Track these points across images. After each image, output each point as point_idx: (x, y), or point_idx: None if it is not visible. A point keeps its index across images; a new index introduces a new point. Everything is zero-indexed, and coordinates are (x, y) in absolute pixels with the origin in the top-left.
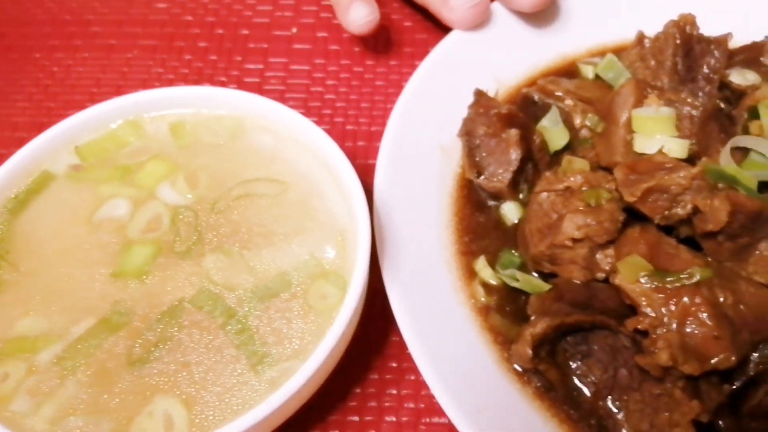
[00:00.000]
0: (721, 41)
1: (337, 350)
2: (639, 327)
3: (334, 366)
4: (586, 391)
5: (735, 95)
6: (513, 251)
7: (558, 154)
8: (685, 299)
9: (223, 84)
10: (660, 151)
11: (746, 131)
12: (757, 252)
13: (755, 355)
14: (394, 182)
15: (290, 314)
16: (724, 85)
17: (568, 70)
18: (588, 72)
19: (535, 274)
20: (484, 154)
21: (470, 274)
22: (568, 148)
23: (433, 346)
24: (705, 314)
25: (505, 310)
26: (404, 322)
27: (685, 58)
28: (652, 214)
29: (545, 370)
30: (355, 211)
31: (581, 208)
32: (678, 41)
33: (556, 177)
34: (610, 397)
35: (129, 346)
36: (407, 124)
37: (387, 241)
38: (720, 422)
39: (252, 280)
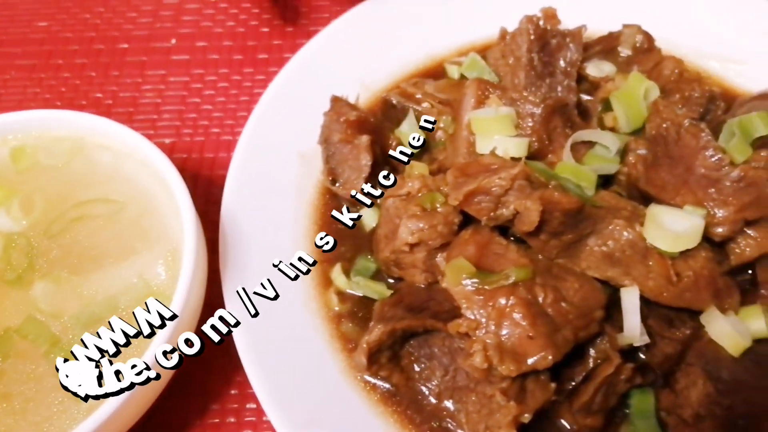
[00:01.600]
0: (575, 34)
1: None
2: (459, 330)
3: (160, 391)
4: (429, 394)
5: (593, 87)
6: (369, 257)
7: (420, 156)
8: (501, 300)
9: (97, 100)
10: (492, 152)
11: (601, 123)
12: (587, 247)
13: (593, 351)
14: (246, 193)
15: None
16: (583, 78)
17: (437, 71)
18: (453, 72)
19: (392, 280)
20: (338, 161)
21: (327, 282)
22: (427, 150)
23: (269, 360)
24: (519, 315)
25: (358, 317)
26: (240, 339)
27: (541, 53)
28: (479, 216)
29: (387, 376)
30: (183, 226)
31: (417, 213)
32: (532, 36)
33: (401, 182)
34: (451, 398)
35: None
36: (263, 133)
37: (232, 255)
38: (562, 420)
39: (78, 306)
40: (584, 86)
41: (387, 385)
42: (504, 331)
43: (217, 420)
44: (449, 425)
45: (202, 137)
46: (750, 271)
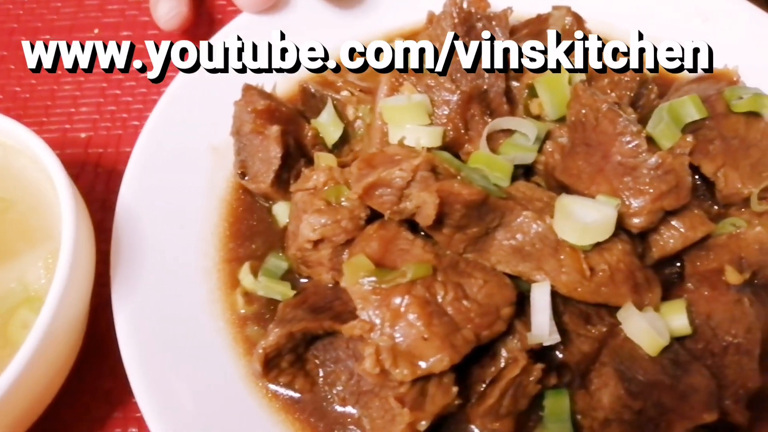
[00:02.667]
0: (501, 17)
1: (28, 383)
2: (353, 333)
3: (34, 401)
4: (335, 400)
5: (520, 73)
6: (281, 254)
7: (340, 147)
8: (396, 300)
9: (15, 94)
10: (399, 142)
11: (527, 111)
12: (496, 241)
13: (504, 351)
14: (146, 190)
15: None
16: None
17: None
18: None
19: (305, 279)
20: (249, 154)
21: (234, 282)
22: (346, 142)
23: (158, 368)
24: (414, 315)
25: (265, 319)
26: (126, 346)
27: (465, 37)
28: (381, 210)
29: (290, 382)
30: (63, 223)
31: (321, 208)
32: (456, 20)
33: (308, 175)
34: (357, 404)
35: None
36: (169, 125)
37: (125, 256)
38: (473, 426)
39: None
40: (512, 72)
41: (291, 392)
42: (398, 333)
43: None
44: None
45: (120, 130)
46: (678, 264)
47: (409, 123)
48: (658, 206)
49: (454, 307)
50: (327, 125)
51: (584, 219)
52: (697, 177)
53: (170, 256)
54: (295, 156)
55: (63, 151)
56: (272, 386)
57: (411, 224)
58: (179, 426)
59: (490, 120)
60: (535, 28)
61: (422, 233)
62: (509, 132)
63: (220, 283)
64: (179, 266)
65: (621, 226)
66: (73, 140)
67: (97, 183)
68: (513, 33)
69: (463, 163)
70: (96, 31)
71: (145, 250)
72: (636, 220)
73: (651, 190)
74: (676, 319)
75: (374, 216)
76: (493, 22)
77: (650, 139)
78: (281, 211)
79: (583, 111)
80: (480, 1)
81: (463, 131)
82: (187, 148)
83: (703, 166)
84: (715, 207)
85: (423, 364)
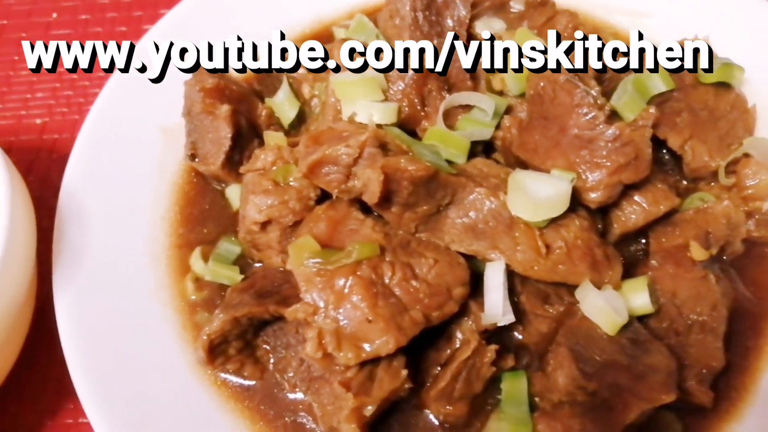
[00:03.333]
0: None
1: None
2: (297, 316)
3: None
4: (286, 386)
5: None
6: (234, 238)
7: (297, 127)
8: (341, 281)
9: None
10: (350, 119)
11: (490, 86)
12: (449, 220)
13: (459, 333)
14: (93, 173)
15: None
16: (473, 38)
17: (325, 35)
18: (341, 36)
19: (259, 264)
20: (199, 135)
21: (185, 268)
22: (304, 121)
23: (100, 357)
24: (358, 296)
25: (215, 305)
26: (67, 335)
27: (426, 11)
28: (329, 189)
29: (239, 369)
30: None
31: (268, 188)
32: None
33: (258, 154)
34: (308, 390)
35: None
36: (118, 107)
37: (68, 242)
38: (428, 412)
39: None
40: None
41: (241, 380)
42: (342, 316)
43: None
44: (304, 420)
45: (76, 115)
46: (644, 241)
47: (361, 99)
48: (616, 180)
49: (402, 288)
50: (282, 104)
51: (537, 194)
52: (664, 151)
53: (117, 242)
54: (248, 137)
55: (18, 137)
56: (222, 374)
57: (364, 204)
58: (120, 416)
59: (448, 96)
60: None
61: (375, 213)
62: (468, 108)
63: (170, 270)
64: (126, 252)
65: (579, 202)
66: (29, 126)
67: (52, 169)
68: (474, 6)
69: (420, 140)
70: (54, 15)
71: (90, 235)
72: (593, 195)
73: (608, 163)
74: (638, 297)
75: (326, 196)
76: None
77: (615, 113)
78: (235, 194)
79: (542, 84)
80: None
81: (419, 107)
82: (137, 130)
83: (669, 139)
84: (684, 182)
85: (367, 347)
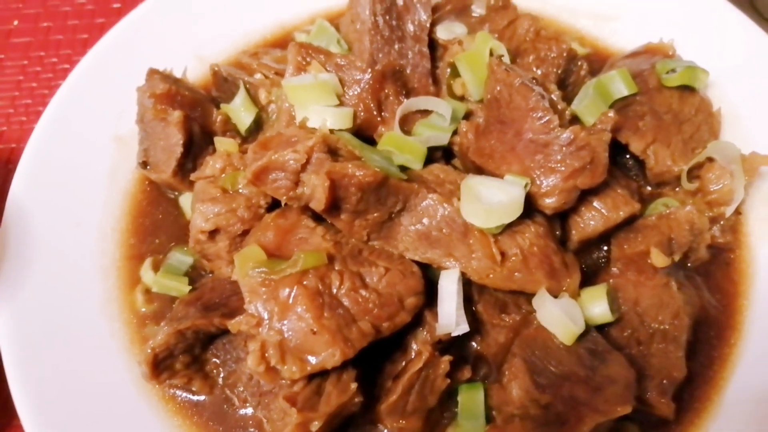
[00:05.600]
0: None
1: None
2: (240, 328)
3: None
4: (236, 401)
5: (444, 52)
6: (185, 248)
7: (255, 134)
8: (285, 291)
9: None
10: (301, 123)
11: (451, 91)
12: (402, 227)
13: (415, 344)
14: (41, 183)
15: None
16: (435, 41)
17: (287, 41)
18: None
19: (212, 274)
20: (151, 142)
21: (135, 280)
22: (261, 127)
23: (42, 373)
24: (302, 307)
25: (166, 316)
26: (7, 351)
27: (386, 15)
28: (277, 196)
29: (186, 384)
30: None
31: (216, 196)
32: None
33: (208, 161)
34: (258, 405)
35: None
36: (71, 113)
37: (11, 253)
38: (383, 428)
39: None
40: (439, 51)
41: (190, 395)
42: (287, 328)
43: None
44: None
45: (35, 124)
46: (606, 248)
47: (314, 103)
48: (571, 185)
49: (350, 298)
50: (238, 110)
51: (490, 200)
52: (628, 156)
53: (64, 254)
54: (202, 144)
55: None
56: (171, 389)
57: (316, 212)
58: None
59: (405, 100)
60: (459, 3)
61: (328, 221)
62: (427, 113)
63: (119, 282)
64: (73, 265)
65: (536, 208)
66: None
67: (9, 180)
68: (436, 10)
69: (375, 144)
70: (15, 23)
71: (35, 247)
72: (548, 200)
73: (563, 168)
74: (596, 306)
75: (278, 204)
76: (415, 0)
77: (577, 118)
78: (188, 203)
79: (498, 88)
80: None
81: (375, 112)
82: (89, 139)
83: (631, 144)
84: (648, 187)
85: (313, 360)
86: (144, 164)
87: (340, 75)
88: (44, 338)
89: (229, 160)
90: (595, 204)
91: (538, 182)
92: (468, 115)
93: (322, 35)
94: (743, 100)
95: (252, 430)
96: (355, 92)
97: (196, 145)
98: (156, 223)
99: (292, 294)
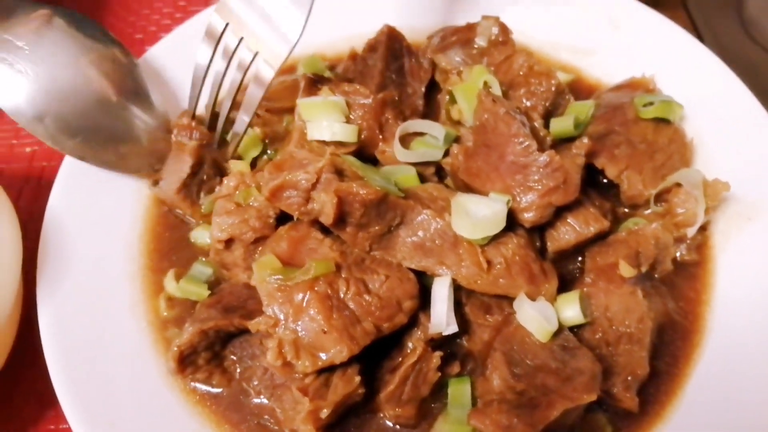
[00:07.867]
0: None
1: None
2: (259, 328)
3: None
4: (252, 393)
5: (445, 79)
6: (204, 259)
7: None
8: (299, 296)
9: None
10: (309, 146)
11: (448, 116)
12: (400, 239)
13: (410, 342)
14: (74, 200)
15: None
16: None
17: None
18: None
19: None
20: (166, 166)
21: (159, 289)
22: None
23: (80, 366)
24: (314, 310)
25: (185, 321)
26: (49, 346)
27: (393, 75)
28: (290, 212)
29: (207, 378)
30: None
31: (231, 209)
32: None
33: (224, 181)
34: (272, 397)
35: None
36: None
37: (51, 259)
38: (382, 415)
39: None
40: (441, 77)
41: (209, 388)
42: (300, 327)
43: None
44: (267, 423)
45: None
46: (581, 259)
47: (326, 120)
48: (547, 201)
49: (355, 302)
50: (248, 163)
51: (476, 215)
52: (605, 180)
53: (96, 262)
54: (210, 174)
55: (8, 164)
56: (192, 383)
57: (323, 225)
58: (97, 421)
59: (402, 123)
60: (464, 36)
61: (334, 234)
62: (423, 135)
63: (144, 288)
64: (105, 270)
65: (517, 222)
66: (19, 155)
67: (40, 195)
68: (442, 40)
69: (377, 162)
70: None
71: (71, 256)
72: (527, 215)
73: (539, 187)
74: (570, 309)
75: (285, 215)
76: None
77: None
78: (199, 236)
79: (486, 116)
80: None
81: (377, 131)
82: None
83: (606, 169)
84: (625, 209)
85: (323, 356)
86: (155, 182)
87: (347, 99)
88: (81, 337)
89: (242, 179)
90: (569, 220)
91: (518, 199)
92: (458, 139)
93: (314, 67)
94: (711, 130)
95: (266, 416)
96: (360, 114)
97: (205, 172)
98: (174, 239)
99: (305, 298)
